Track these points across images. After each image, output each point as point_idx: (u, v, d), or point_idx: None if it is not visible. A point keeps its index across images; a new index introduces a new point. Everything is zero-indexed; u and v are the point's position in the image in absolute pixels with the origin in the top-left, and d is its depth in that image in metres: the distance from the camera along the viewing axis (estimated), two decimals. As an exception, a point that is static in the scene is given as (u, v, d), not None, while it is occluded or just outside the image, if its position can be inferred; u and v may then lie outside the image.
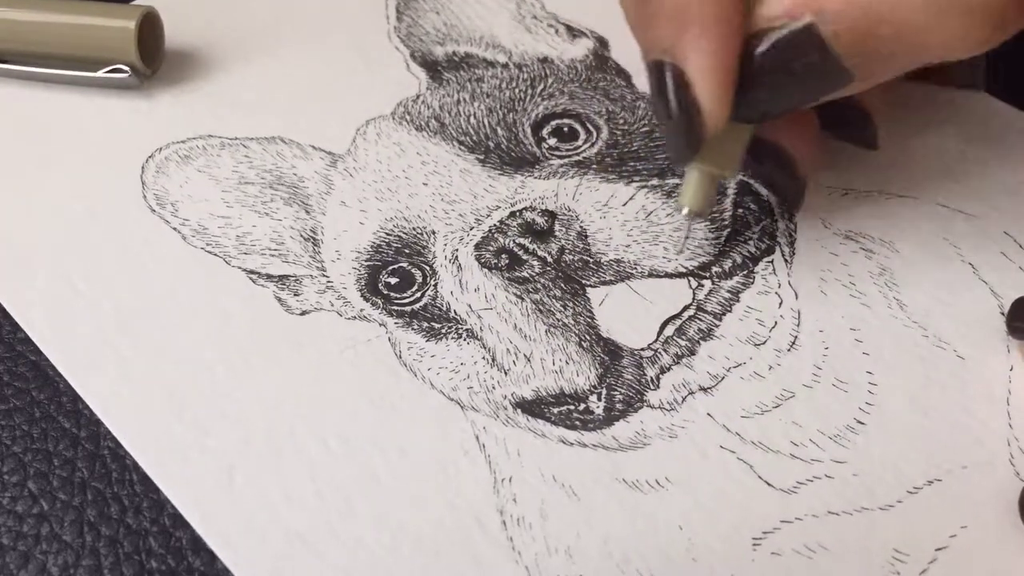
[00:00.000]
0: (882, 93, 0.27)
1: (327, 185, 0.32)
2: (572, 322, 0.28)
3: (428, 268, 0.29)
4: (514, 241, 0.29)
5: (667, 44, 0.24)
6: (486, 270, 0.29)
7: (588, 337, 0.28)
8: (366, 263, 0.30)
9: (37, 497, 0.26)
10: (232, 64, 0.36)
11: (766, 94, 0.25)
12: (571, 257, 0.29)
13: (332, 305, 0.29)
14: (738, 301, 0.28)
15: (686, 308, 0.28)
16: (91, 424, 0.27)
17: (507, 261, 0.29)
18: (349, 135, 0.33)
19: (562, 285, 0.28)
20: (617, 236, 0.29)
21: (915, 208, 0.31)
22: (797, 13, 0.23)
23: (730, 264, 0.29)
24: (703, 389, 0.27)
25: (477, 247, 0.29)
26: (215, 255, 0.30)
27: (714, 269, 0.29)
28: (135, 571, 0.24)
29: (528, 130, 0.33)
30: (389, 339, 0.28)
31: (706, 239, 0.29)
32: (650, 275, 0.29)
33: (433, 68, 0.35)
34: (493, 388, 0.27)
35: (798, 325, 0.28)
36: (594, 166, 0.31)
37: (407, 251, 0.30)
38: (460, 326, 0.28)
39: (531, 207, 0.30)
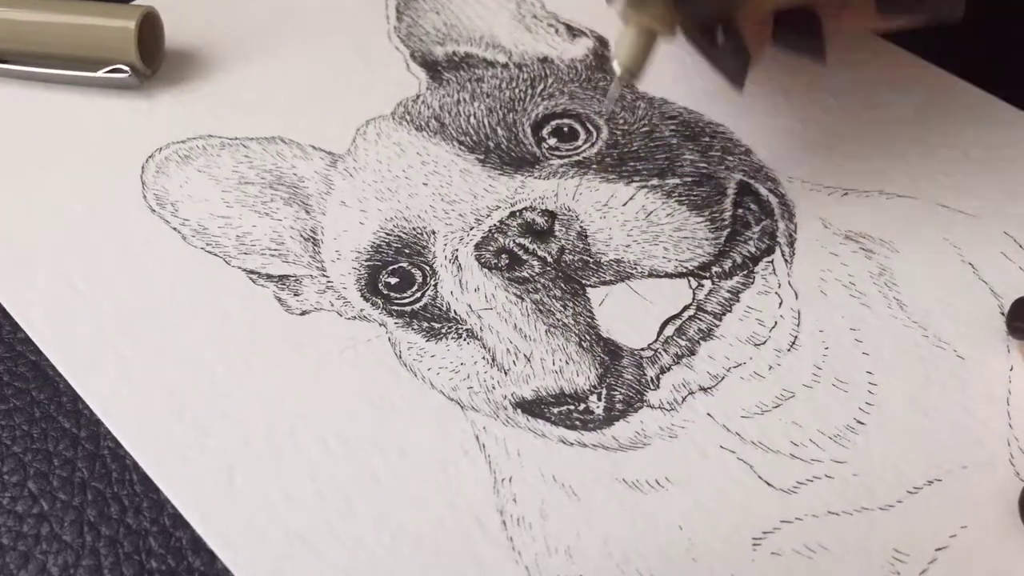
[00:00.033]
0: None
1: (327, 185, 0.32)
2: (572, 322, 0.28)
3: (428, 268, 0.29)
4: (514, 241, 0.29)
5: None
6: (486, 270, 0.29)
7: (588, 337, 0.28)
8: (366, 263, 0.30)
9: (37, 497, 0.26)
10: (232, 64, 0.36)
11: None
12: (571, 257, 0.29)
13: (332, 305, 0.29)
14: (738, 301, 0.28)
15: (686, 308, 0.28)
16: (91, 424, 0.27)
17: (507, 261, 0.29)
18: (349, 135, 0.33)
19: (562, 285, 0.28)
20: (617, 236, 0.29)
21: (915, 208, 0.31)
22: None
23: (730, 264, 0.29)
24: (703, 389, 0.27)
25: (477, 247, 0.29)
26: (215, 255, 0.30)
27: (714, 269, 0.29)
28: (135, 571, 0.24)
29: (528, 130, 0.33)
30: (389, 339, 0.28)
31: (706, 239, 0.29)
32: (650, 275, 0.29)
33: (433, 68, 0.35)
34: (493, 388, 0.27)
35: (798, 325, 0.28)
36: (594, 166, 0.31)
37: (407, 251, 0.30)
38: (460, 326, 0.28)
39: (531, 207, 0.30)
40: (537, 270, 0.29)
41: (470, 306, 0.28)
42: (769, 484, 0.25)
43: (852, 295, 0.29)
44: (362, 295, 0.29)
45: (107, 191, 0.32)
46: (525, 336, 0.28)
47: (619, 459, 0.26)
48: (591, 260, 0.29)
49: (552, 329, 0.28)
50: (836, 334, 0.28)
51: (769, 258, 0.29)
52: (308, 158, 0.33)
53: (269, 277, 0.30)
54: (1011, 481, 0.25)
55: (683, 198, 0.30)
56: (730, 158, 0.32)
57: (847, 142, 0.32)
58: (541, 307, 0.28)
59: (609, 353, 0.27)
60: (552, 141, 0.32)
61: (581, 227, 0.29)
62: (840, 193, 0.31)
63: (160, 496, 0.25)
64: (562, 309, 0.28)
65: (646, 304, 0.28)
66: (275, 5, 0.38)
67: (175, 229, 0.31)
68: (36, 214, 0.31)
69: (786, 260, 0.29)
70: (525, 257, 0.29)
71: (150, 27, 0.34)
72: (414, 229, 0.30)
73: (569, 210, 0.30)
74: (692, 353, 0.27)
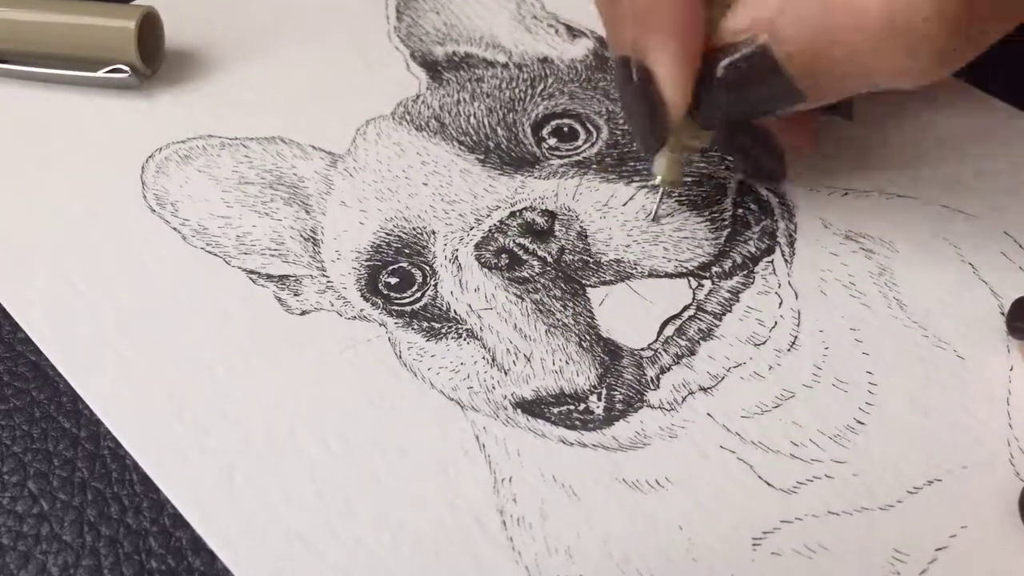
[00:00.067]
0: None
1: (327, 185, 0.32)
2: (572, 322, 0.28)
3: (428, 268, 0.29)
4: (514, 241, 0.29)
5: (634, 42, 0.26)
6: (486, 270, 0.29)
7: (588, 337, 0.28)
8: (366, 263, 0.30)
9: (37, 497, 0.26)
10: (232, 64, 0.36)
11: (722, 106, 0.26)
12: (571, 257, 0.29)
13: (332, 305, 0.29)
14: (738, 301, 0.28)
15: (686, 308, 0.28)
16: (91, 424, 0.27)
17: (507, 261, 0.29)
18: (349, 135, 0.33)
19: (562, 285, 0.28)
20: (617, 236, 0.29)
21: (915, 208, 0.31)
22: (756, 30, 0.24)
23: (730, 264, 0.29)
24: (703, 389, 0.27)
25: (477, 247, 0.29)
26: (215, 255, 0.30)
27: (714, 269, 0.29)
28: (135, 571, 0.24)
29: (528, 130, 0.33)
30: (389, 339, 0.28)
31: (706, 239, 0.29)
32: (650, 275, 0.29)
33: (433, 68, 0.35)
34: (493, 388, 0.27)
35: (798, 325, 0.28)
36: (594, 166, 0.31)
37: (407, 251, 0.30)
38: (460, 326, 0.28)
39: (531, 207, 0.30)
40: (537, 270, 0.29)
41: (470, 306, 0.28)
42: (769, 484, 0.25)
43: (852, 295, 0.29)
44: (362, 295, 0.29)
45: (107, 191, 0.32)
46: (525, 336, 0.28)
47: (619, 459, 0.26)
48: (591, 260, 0.29)
49: (552, 329, 0.28)
50: (836, 334, 0.28)
51: (769, 258, 0.29)
52: (308, 158, 0.33)
53: (269, 277, 0.30)
54: (1011, 481, 0.25)
55: (683, 198, 0.30)
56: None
57: (847, 142, 0.32)
58: (541, 307, 0.28)
59: (609, 353, 0.27)
60: (552, 141, 0.32)
61: (581, 227, 0.29)
62: (840, 193, 0.31)
63: (160, 496, 0.25)
64: (562, 309, 0.28)
65: (646, 304, 0.28)
66: (275, 5, 0.38)
67: (175, 229, 0.31)
68: (36, 214, 0.31)
69: (786, 260, 0.29)
70: (525, 257, 0.29)
71: (150, 27, 0.34)
72: (414, 229, 0.30)
73: (569, 210, 0.30)
74: (692, 353, 0.27)
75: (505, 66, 0.35)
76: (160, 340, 0.28)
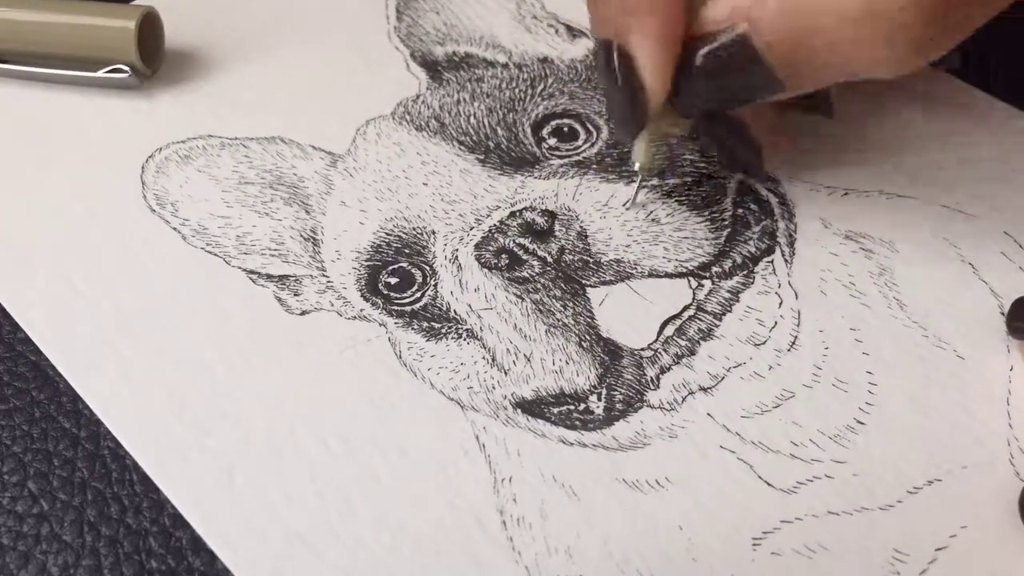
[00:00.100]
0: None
1: (327, 185, 0.32)
2: (572, 322, 0.28)
3: (428, 268, 0.29)
4: (514, 241, 0.29)
5: (615, 25, 0.26)
6: (486, 270, 0.29)
7: (588, 337, 0.28)
8: (366, 263, 0.30)
9: (37, 497, 0.26)
10: (232, 64, 0.36)
11: (702, 95, 0.26)
12: (571, 257, 0.29)
13: (332, 305, 0.29)
14: (738, 301, 0.28)
15: (686, 308, 0.28)
16: (91, 424, 0.27)
17: (507, 261, 0.29)
18: (349, 135, 0.33)
19: (562, 285, 0.28)
20: (617, 236, 0.29)
21: (915, 208, 0.31)
22: (735, 19, 0.25)
23: (730, 264, 0.29)
24: (703, 389, 0.27)
25: (477, 247, 0.29)
26: (215, 255, 0.30)
27: (714, 269, 0.29)
28: (135, 571, 0.24)
29: (528, 130, 0.33)
30: (389, 339, 0.28)
31: (706, 239, 0.29)
32: (650, 275, 0.29)
33: (433, 68, 0.35)
34: (493, 388, 0.27)
35: (798, 325, 0.28)
36: (594, 166, 0.31)
37: (407, 251, 0.30)
38: (460, 326, 0.28)
39: (531, 207, 0.30)
40: (537, 270, 0.29)
41: (470, 306, 0.28)
42: (769, 484, 0.25)
43: (852, 295, 0.29)
44: (362, 295, 0.29)
45: (107, 191, 0.32)
46: (525, 336, 0.28)
47: (619, 459, 0.26)
48: (591, 260, 0.29)
49: (552, 329, 0.28)
50: (836, 334, 0.28)
51: (769, 258, 0.29)
52: (308, 158, 0.33)
53: (269, 277, 0.30)
54: (1011, 481, 0.25)
55: (683, 198, 0.30)
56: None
57: (847, 142, 0.32)
58: (541, 307, 0.28)
59: (609, 353, 0.27)
60: (552, 141, 0.32)
61: (581, 227, 0.29)
62: (840, 193, 0.31)
63: (160, 496, 0.25)
64: (562, 309, 0.28)
65: (646, 304, 0.28)
66: (275, 5, 0.38)
67: (175, 229, 0.31)
68: (36, 214, 0.31)
69: (786, 260, 0.29)
70: (525, 257, 0.29)
71: (150, 27, 0.34)
72: (414, 229, 0.30)
73: (569, 210, 0.30)
74: (692, 353, 0.27)
75: (505, 66, 0.35)
76: (160, 340, 0.28)
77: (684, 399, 0.27)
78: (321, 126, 0.33)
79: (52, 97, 0.35)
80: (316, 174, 0.32)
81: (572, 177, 0.31)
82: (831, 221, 0.30)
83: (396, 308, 0.29)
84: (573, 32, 0.36)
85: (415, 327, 0.28)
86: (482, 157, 0.32)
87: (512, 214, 0.30)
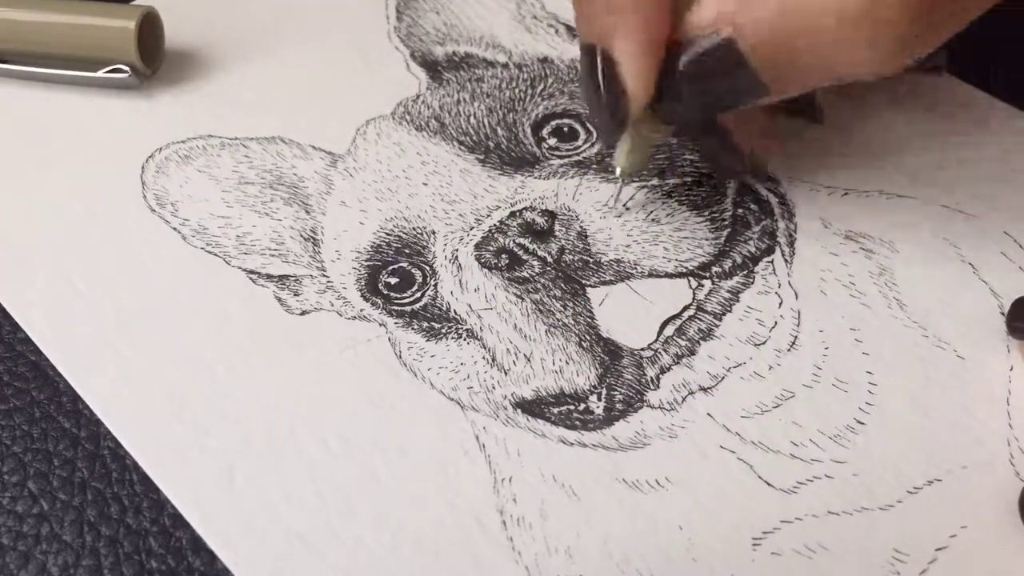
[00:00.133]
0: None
1: (327, 185, 0.32)
2: (572, 322, 0.28)
3: (428, 268, 0.29)
4: (514, 241, 0.29)
5: (600, 30, 0.26)
6: (486, 270, 0.29)
7: (588, 337, 0.28)
8: (366, 263, 0.30)
9: (37, 497, 0.26)
10: (232, 64, 0.36)
11: (687, 99, 0.26)
12: (571, 257, 0.29)
13: (332, 305, 0.29)
14: (738, 301, 0.28)
15: (686, 308, 0.28)
16: (91, 424, 0.27)
17: (507, 261, 0.29)
18: (349, 135, 0.33)
19: (562, 285, 0.28)
20: (617, 236, 0.29)
21: (915, 208, 0.31)
22: (720, 25, 0.25)
23: (730, 264, 0.29)
24: (703, 389, 0.27)
25: (477, 247, 0.29)
26: (215, 255, 0.30)
27: (714, 269, 0.29)
28: (135, 571, 0.24)
29: (528, 130, 0.33)
30: (389, 339, 0.28)
31: (706, 239, 0.29)
32: (650, 275, 0.29)
33: (433, 68, 0.35)
34: (493, 388, 0.27)
35: (798, 325, 0.28)
36: (594, 166, 0.31)
37: (407, 251, 0.30)
38: (460, 326, 0.28)
39: (531, 207, 0.30)
40: (537, 270, 0.29)
41: (470, 306, 0.28)
42: (769, 484, 0.25)
43: (852, 295, 0.29)
44: (362, 295, 0.29)
45: (107, 191, 0.32)
46: (525, 336, 0.28)
47: (619, 459, 0.26)
48: (591, 260, 0.29)
49: (552, 329, 0.28)
50: (836, 334, 0.28)
51: (769, 258, 0.29)
52: (308, 158, 0.33)
53: (269, 277, 0.30)
54: (1011, 481, 0.25)
55: (683, 198, 0.30)
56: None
57: (847, 142, 0.32)
58: (541, 307, 0.28)
59: (609, 353, 0.27)
60: (552, 141, 0.32)
61: (581, 227, 0.30)
62: (840, 193, 0.31)
63: (160, 496, 0.25)
64: (562, 309, 0.28)
65: (646, 304, 0.28)
66: (275, 5, 0.38)
67: (175, 229, 0.31)
68: (36, 214, 0.31)
69: (786, 260, 0.29)
70: (525, 257, 0.29)
71: (150, 27, 0.34)
72: (414, 229, 0.30)
73: (569, 210, 0.30)
74: (692, 353, 0.27)
75: (505, 66, 0.35)
76: (160, 340, 0.28)
77: (684, 399, 0.27)
78: (321, 126, 0.33)
79: (52, 97, 0.35)
80: (316, 174, 0.32)
81: (572, 177, 0.31)
82: (831, 221, 0.30)
83: (396, 308, 0.29)
84: (573, 32, 0.36)
85: (415, 327, 0.28)
86: (482, 157, 0.32)
87: (512, 214, 0.30)
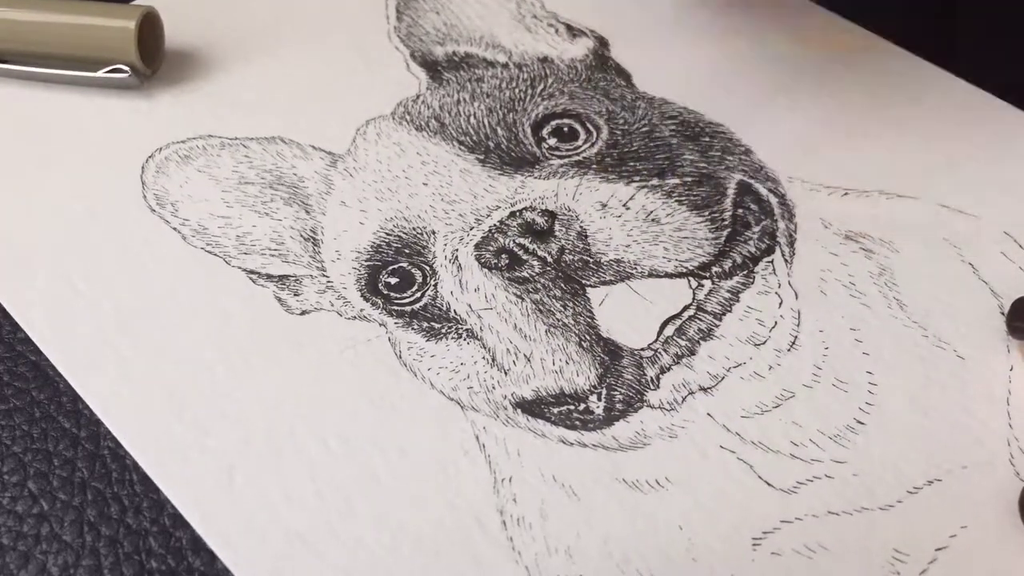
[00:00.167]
0: None
1: (327, 185, 0.32)
2: (572, 322, 0.28)
3: (428, 268, 0.29)
4: (514, 241, 0.29)
5: None
6: (486, 270, 0.29)
7: (588, 337, 0.28)
8: (366, 263, 0.30)
9: (37, 497, 0.26)
10: (232, 64, 0.36)
11: None
12: (571, 257, 0.29)
13: (332, 305, 0.29)
14: (738, 301, 0.28)
15: (686, 308, 0.28)
16: (91, 424, 0.27)
17: (507, 261, 0.29)
18: (349, 135, 0.33)
19: (562, 285, 0.28)
20: (617, 236, 0.29)
21: (915, 208, 0.31)
22: None
23: (730, 264, 0.29)
24: (703, 389, 0.27)
25: (477, 247, 0.29)
26: (215, 255, 0.30)
27: (714, 269, 0.29)
28: (135, 571, 0.24)
29: (528, 130, 0.33)
30: (389, 339, 0.28)
31: (706, 239, 0.29)
32: (650, 275, 0.29)
33: (433, 68, 0.35)
34: (493, 388, 0.27)
35: (798, 325, 0.28)
36: (594, 166, 0.31)
37: (407, 251, 0.30)
38: (460, 326, 0.28)
39: (531, 207, 0.30)
40: (537, 270, 0.29)
41: (470, 306, 0.28)
42: (769, 484, 0.25)
43: (852, 295, 0.29)
44: (362, 295, 0.29)
45: (107, 191, 0.32)
46: (525, 336, 0.28)
47: (619, 459, 0.26)
48: (591, 260, 0.29)
49: (552, 329, 0.28)
50: (836, 334, 0.28)
51: (769, 258, 0.29)
52: (308, 158, 0.33)
53: (269, 277, 0.30)
54: (1011, 481, 0.25)
55: (683, 198, 0.30)
56: (730, 158, 0.32)
57: (847, 142, 0.32)
58: (541, 307, 0.28)
59: (609, 353, 0.27)
60: (552, 141, 0.32)
61: (581, 227, 0.29)
62: (840, 193, 0.31)
63: (160, 496, 0.25)
64: (562, 309, 0.28)
65: (646, 304, 0.28)
66: (275, 5, 0.38)
67: (175, 229, 0.31)
68: (36, 214, 0.31)
69: (786, 260, 0.29)
70: (525, 257, 0.29)
71: (150, 27, 0.34)
72: (414, 229, 0.30)
73: (569, 210, 0.30)
74: (692, 353, 0.27)
75: (505, 66, 0.35)
76: (160, 340, 0.28)
77: (684, 399, 0.27)
78: (321, 126, 0.33)
79: (52, 97, 0.35)
80: (316, 174, 0.32)
81: (572, 177, 0.31)
82: (831, 221, 0.30)
83: (396, 308, 0.29)
84: (573, 32, 0.36)
85: (415, 327, 0.28)
86: (482, 157, 0.32)
87: (512, 214, 0.30)
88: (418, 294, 0.29)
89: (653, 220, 0.30)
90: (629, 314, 0.28)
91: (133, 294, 0.29)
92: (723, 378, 0.27)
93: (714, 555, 0.24)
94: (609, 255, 0.29)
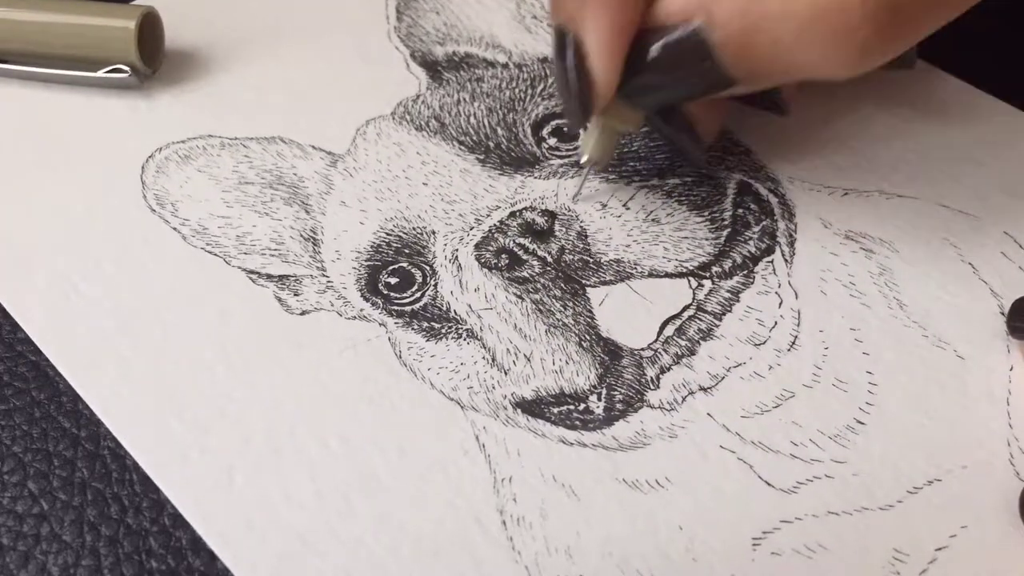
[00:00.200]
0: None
1: (327, 185, 0.32)
2: (572, 322, 0.28)
3: (428, 268, 0.29)
4: (514, 241, 0.29)
5: (570, 13, 0.26)
6: (486, 270, 0.29)
7: (588, 337, 0.28)
8: (366, 263, 0.30)
9: (37, 497, 0.26)
10: (232, 64, 0.36)
11: (654, 87, 0.26)
12: (571, 257, 0.29)
13: (332, 305, 0.29)
14: (738, 301, 0.28)
15: (686, 308, 0.28)
16: (91, 424, 0.27)
17: (507, 261, 0.29)
18: (349, 135, 0.33)
19: (562, 285, 0.28)
20: (617, 236, 0.29)
21: (915, 208, 0.31)
22: (690, 14, 0.25)
23: (730, 264, 0.29)
24: (703, 389, 0.27)
25: (477, 247, 0.29)
26: (215, 255, 0.30)
27: (714, 269, 0.29)
28: (135, 571, 0.24)
29: (528, 130, 0.33)
30: (389, 339, 0.28)
31: (706, 239, 0.29)
32: (650, 275, 0.29)
33: (433, 68, 0.35)
34: (493, 388, 0.27)
35: (798, 325, 0.28)
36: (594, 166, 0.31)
37: (407, 251, 0.30)
38: (460, 326, 0.28)
39: (531, 207, 0.30)
40: (537, 270, 0.29)
41: (470, 306, 0.28)
42: (769, 484, 0.25)
43: (852, 295, 0.29)
44: (362, 295, 0.29)
45: (107, 191, 0.32)
46: (525, 336, 0.28)
47: (619, 459, 0.26)
48: (591, 260, 0.29)
49: (552, 329, 0.28)
50: (836, 334, 0.28)
51: (769, 258, 0.29)
52: (308, 158, 0.33)
53: (269, 277, 0.30)
54: (1011, 481, 0.25)
55: (683, 198, 0.30)
56: (730, 158, 0.32)
57: (847, 142, 0.32)
58: (541, 307, 0.28)
59: (609, 353, 0.27)
60: (552, 141, 0.32)
61: (581, 227, 0.30)
62: (840, 193, 0.31)
63: (160, 496, 0.25)
64: (562, 309, 0.28)
65: (646, 304, 0.28)
66: (275, 5, 0.38)
67: (175, 229, 0.31)
68: (36, 214, 0.31)
69: (786, 260, 0.29)
70: (525, 257, 0.29)
71: (150, 27, 0.34)
72: (414, 229, 0.30)
73: (569, 210, 0.30)
74: (692, 353, 0.27)
75: (505, 66, 0.35)
76: (160, 340, 0.28)
77: (684, 399, 0.27)
78: (321, 126, 0.33)
79: (52, 97, 0.35)
80: (316, 174, 0.32)
81: (572, 177, 0.31)
82: (831, 221, 0.30)
83: (396, 308, 0.29)
84: (573, 32, 0.36)
85: (415, 327, 0.28)
86: (482, 157, 0.32)
87: (512, 214, 0.30)
88: (418, 294, 0.29)
89: (653, 220, 0.30)
90: (629, 314, 0.28)
91: (133, 294, 0.29)
92: (723, 378, 0.27)
93: (714, 555, 0.24)
94: (609, 255, 0.29)
